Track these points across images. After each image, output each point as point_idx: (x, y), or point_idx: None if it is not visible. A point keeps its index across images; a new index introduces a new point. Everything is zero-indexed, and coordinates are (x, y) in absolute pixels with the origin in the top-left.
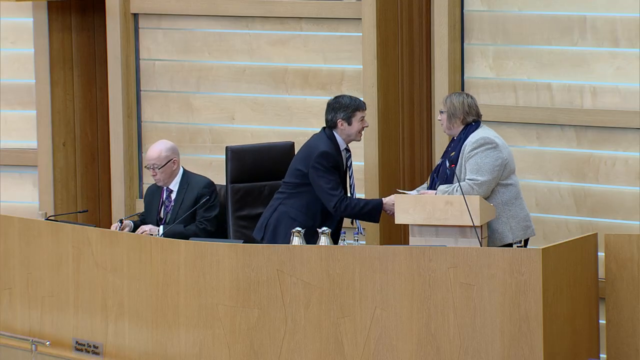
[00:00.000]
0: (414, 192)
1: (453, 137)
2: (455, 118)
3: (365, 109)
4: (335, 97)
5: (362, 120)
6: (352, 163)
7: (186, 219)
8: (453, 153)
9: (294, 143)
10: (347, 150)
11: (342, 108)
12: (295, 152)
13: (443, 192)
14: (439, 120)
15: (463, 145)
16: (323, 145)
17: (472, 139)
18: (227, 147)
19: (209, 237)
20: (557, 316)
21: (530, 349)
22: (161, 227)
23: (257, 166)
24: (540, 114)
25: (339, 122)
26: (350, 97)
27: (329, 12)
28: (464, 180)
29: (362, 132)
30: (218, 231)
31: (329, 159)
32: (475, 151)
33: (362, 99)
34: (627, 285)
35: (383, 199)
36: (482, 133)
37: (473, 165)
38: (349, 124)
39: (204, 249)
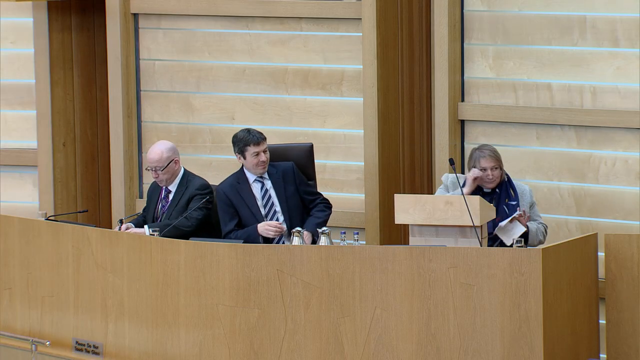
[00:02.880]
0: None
1: (478, 188)
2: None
3: (259, 143)
4: (240, 130)
5: (256, 155)
6: (269, 191)
7: (177, 219)
8: (507, 200)
9: (312, 145)
10: (260, 180)
11: (236, 143)
12: (315, 154)
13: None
14: (491, 178)
15: (520, 192)
16: (224, 182)
17: (526, 188)
18: None
19: (197, 225)
20: (557, 316)
21: (530, 349)
22: (146, 227)
23: None
24: (540, 114)
25: (237, 156)
26: (249, 131)
27: (329, 12)
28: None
29: (264, 166)
30: (209, 224)
31: (218, 197)
32: (533, 198)
33: (258, 132)
34: (627, 285)
35: (258, 225)
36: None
37: (537, 211)
38: (244, 158)
39: (204, 249)
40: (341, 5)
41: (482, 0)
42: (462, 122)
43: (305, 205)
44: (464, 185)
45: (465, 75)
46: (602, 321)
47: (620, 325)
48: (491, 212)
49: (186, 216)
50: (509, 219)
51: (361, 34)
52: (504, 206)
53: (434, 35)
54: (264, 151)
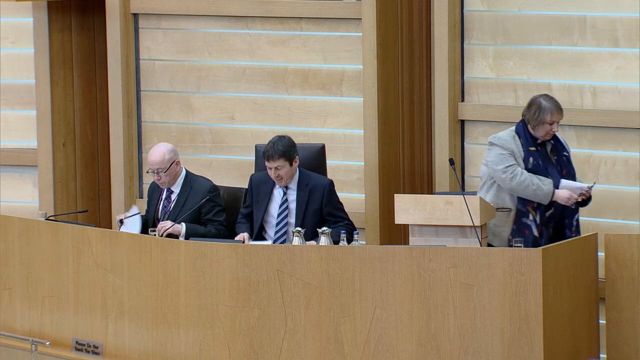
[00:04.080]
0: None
1: (529, 137)
2: None
3: (269, 160)
4: (273, 137)
5: (269, 169)
6: (289, 202)
7: (185, 220)
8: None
9: (324, 145)
10: (283, 189)
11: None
12: (326, 155)
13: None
14: (555, 131)
15: (562, 145)
16: (260, 172)
17: (563, 140)
18: (256, 146)
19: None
20: (557, 316)
21: (530, 349)
22: (183, 225)
23: None
24: None
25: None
26: (274, 143)
27: (329, 12)
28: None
29: (278, 181)
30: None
31: (249, 181)
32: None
33: (272, 145)
34: (627, 285)
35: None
36: None
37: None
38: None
39: (204, 249)
40: (341, 5)
41: (482, 0)
42: (462, 122)
43: (326, 225)
44: (527, 144)
45: (465, 75)
46: (602, 321)
47: (620, 325)
48: (491, 211)
49: (223, 231)
50: (586, 187)
51: (361, 34)
52: (564, 157)
53: (434, 35)
54: (277, 168)
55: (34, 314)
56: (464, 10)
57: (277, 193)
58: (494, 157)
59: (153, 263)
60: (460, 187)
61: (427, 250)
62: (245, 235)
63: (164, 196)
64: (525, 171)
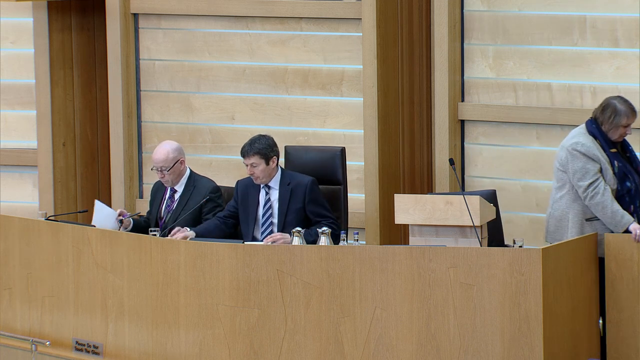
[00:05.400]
0: None
1: (608, 140)
2: None
3: (244, 157)
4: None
5: (245, 166)
6: (272, 202)
7: (187, 220)
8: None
9: (344, 148)
10: (266, 189)
11: None
12: (347, 158)
13: None
14: (629, 133)
15: (626, 140)
16: (246, 178)
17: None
18: (285, 147)
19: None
20: (557, 316)
21: (530, 349)
22: (192, 233)
23: (305, 168)
24: (540, 114)
25: None
26: (251, 140)
27: (329, 12)
28: None
29: (254, 178)
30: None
31: (235, 187)
32: None
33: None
34: (627, 285)
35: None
36: None
37: None
38: None
39: (204, 249)
40: (341, 5)
41: (482, 0)
42: (462, 122)
43: (310, 223)
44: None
45: (465, 75)
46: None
47: (620, 325)
48: (492, 211)
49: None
50: None
51: (361, 34)
52: (633, 153)
53: (434, 35)
54: (253, 165)
55: (34, 314)
56: (464, 10)
57: (261, 194)
58: (578, 170)
59: (153, 263)
60: (460, 187)
61: (427, 250)
62: (184, 232)
63: (167, 195)
64: (607, 189)
